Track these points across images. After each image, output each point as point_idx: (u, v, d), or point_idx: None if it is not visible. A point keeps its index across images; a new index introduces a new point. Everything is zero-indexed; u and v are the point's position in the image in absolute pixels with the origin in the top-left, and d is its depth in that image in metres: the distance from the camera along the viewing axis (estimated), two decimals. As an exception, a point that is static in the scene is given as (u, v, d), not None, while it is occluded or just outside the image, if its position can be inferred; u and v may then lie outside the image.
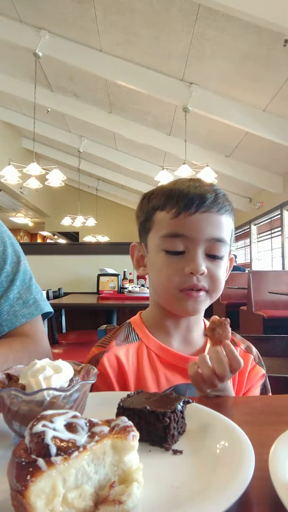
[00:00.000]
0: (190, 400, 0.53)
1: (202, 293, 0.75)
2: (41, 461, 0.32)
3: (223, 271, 0.78)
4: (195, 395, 0.73)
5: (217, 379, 0.66)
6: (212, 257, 0.75)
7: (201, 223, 0.73)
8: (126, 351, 0.79)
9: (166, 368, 0.77)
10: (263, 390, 0.83)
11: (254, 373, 0.82)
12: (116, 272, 4.08)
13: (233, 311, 6.29)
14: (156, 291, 0.80)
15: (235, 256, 8.99)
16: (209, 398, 0.68)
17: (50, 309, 0.95)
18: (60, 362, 0.51)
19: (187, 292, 0.74)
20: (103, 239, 12.90)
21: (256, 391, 0.82)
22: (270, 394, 0.85)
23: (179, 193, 0.74)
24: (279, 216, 8.34)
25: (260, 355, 0.87)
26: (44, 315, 0.96)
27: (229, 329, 0.69)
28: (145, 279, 4.04)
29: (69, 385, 0.49)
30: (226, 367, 0.65)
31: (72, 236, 15.04)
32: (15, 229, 16.09)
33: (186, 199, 0.73)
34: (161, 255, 0.75)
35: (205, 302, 0.76)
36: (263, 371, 0.84)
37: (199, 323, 0.85)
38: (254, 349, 0.86)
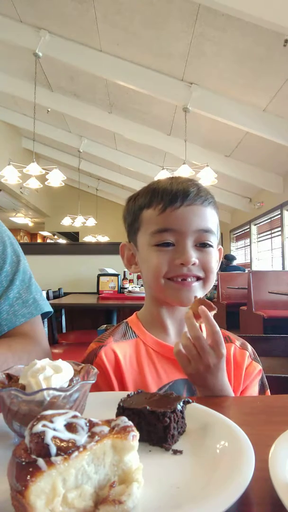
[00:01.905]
0: (190, 400, 0.53)
1: (195, 283, 0.76)
2: (41, 461, 0.32)
3: (214, 260, 0.79)
4: (194, 390, 0.73)
5: (195, 350, 0.66)
6: (203, 245, 0.77)
7: (187, 216, 0.75)
8: (124, 347, 0.80)
9: (164, 362, 0.79)
10: (261, 386, 0.84)
11: (251, 370, 0.83)
12: (116, 272, 4.08)
13: (233, 311, 6.30)
14: (149, 284, 0.82)
15: (234, 258, 9.04)
16: (209, 398, 0.68)
17: (49, 308, 0.95)
18: (60, 362, 0.51)
19: (180, 281, 0.76)
20: (103, 239, 12.90)
21: (254, 388, 0.82)
22: (268, 390, 0.85)
23: (163, 190, 0.78)
24: (279, 216, 8.34)
25: (255, 352, 0.88)
26: (44, 315, 0.96)
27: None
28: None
29: (69, 385, 0.49)
30: (199, 332, 0.67)
31: (72, 236, 15.05)
32: (15, 229, 16.09)
33: (170, 195, 0.76)
34: (152, 250, 0.77)
35: (198, 291, 0.77)
36: (259, 367, 0.85)
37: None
38: (249, 346, 0.87)
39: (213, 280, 0.79)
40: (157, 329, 0.83)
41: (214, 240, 0.79)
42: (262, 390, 0.84)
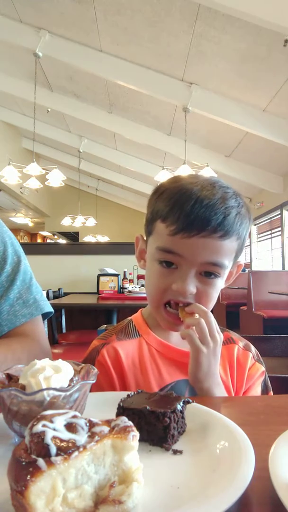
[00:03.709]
0: (190, 400, 0.53)
1: (181, 327, 0.75)
2: (41, 461, 0.32)
3: (217, 290, 0.74)
4: (195, 393, 0.73)
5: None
6: (208, 274, 0.71)
7: (197, 247, 0.68)
8: (127, 345, 0.80)
9: (166, 363, 0.78)
10: (264, 388, 0.83)
11: (254, 371, 0.82)
12: (116, 272, 4.08)
13: (233, 311, 6.29)
14: (147, 295, 0.80)
15: None
16: (209, 398, 0.68)
17: (50, 309, 0.95)
18: (60, 362, 0.51)
19: (171, 314, 0.74)
20: (103, 239, 12.90)
21: (257, 389, 0.82)
22: (271, 391, 0.85)
23: (181, 209, 0.68)
24: (279, 216, 8.34)
25: (259, 353, 0.87)
26: (44, 315, 0.96)
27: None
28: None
29: (69, 385, 0.49)
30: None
31: (72, 236, 15.03)
32: (15, 229, 16.08)
33: (187, 221, 0.67)
34: (154, 265, 0.75)
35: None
36: (262, 368, 0.84)
37: None
38: (252, 347, 0.87)
39: (211, 307, 0.76)
40: (161, 330, 0.82)
41: (223, 271, 0.73)
42: (265, 391, 0.83)
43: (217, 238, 0.68)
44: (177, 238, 0.68)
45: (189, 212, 0.67)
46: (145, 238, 0.82)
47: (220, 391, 0.71)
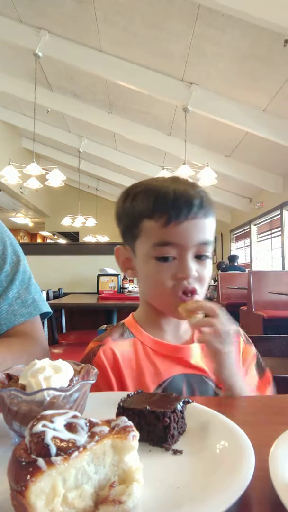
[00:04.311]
0: (190, 400, 0.53)
1: (195, 297, 0.77)
2: (41, 461, 0.32)
3: (209, 270, 0.80)
4: (192, 387, 0.75)
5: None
6: (200, 257, 0.77)
7: (189, 230, 0.74)
8: (122, 346, 0.81)
9: (161, 359, 0.80)
10: (259, 369, 0.86)
11: (247, 353, 0.85)
12: (116, 272, 4.08)
13: (233, 311, 6.27)
14: (151, 297, 0.82)
15: (237, 256, 9.04)
16: (209, 398, 0.68)
17: (48, 309, 0.96)
18: (60, 362, 0.51)
19: (182, 297, 0.76)
20: (103, 239, 12.90)
21: (253, 372, 0.84)
22: (268, 369, 0.87)
23: (165, 199, 0.74)
24: (279, 216, 8.34)
25: (247, 335, 0.90)
26: (43, 316, 0.96)
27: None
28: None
29: (69, 385, 0.49)
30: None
31: (72, 236, 15.04)
32: (15, 229, 16.08)
33: (175, 207, 0.73)
34: (152, 263, 0.76)
35: None
36: (254, 349, 0.87)
37: None
38: (241, 330, 0.89)
39: (205, 291, 0.81)
40: (154, 329, 0.84)
41: (211, 250, 0.79)
42: (261, 372, 0.85)
43: (202, 217, 0.76)
44: (170, 228, 0.73)
45: (173, 201, 0.74)
46: (126, 246, 0.84)
47: (245, 384, 0.74)
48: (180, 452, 0.46)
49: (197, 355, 0.81)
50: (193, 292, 0.76)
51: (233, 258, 8.88)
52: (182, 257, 0.75)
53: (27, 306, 0.90)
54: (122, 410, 0.51)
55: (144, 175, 9.48)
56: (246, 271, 6.85)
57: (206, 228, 0.77)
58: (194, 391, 0.77)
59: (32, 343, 0.87)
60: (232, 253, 11.16)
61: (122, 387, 0.76)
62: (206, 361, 0.79)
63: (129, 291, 3.84)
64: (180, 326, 0.85)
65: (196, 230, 0.75)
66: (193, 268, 0.75)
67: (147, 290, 0.83)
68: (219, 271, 8.45)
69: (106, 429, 0.37)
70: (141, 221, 0.77)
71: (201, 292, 0.78)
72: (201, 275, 0.77)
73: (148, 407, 0.49)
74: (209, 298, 9.80)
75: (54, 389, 0.46)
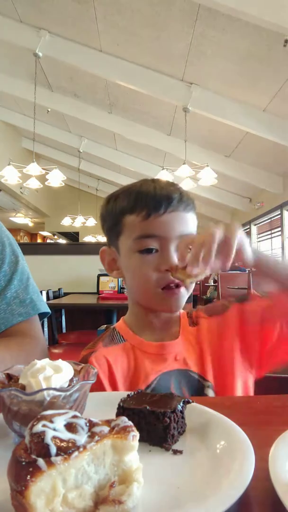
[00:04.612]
0: (190, 400, 0.53)
1: (182, 289, 0.78)
2: (41, 461, 0.32)
3: None
4: (179, 382, 0.76)
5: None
6: None
7: (170, 222, 0.76)
8: (114, 351, 0.82)
9: (150, 359, 0.80)
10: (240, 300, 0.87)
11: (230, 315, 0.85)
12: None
13: (233, 311, 6.28)
14: (136, 292, 0.83)
15: None
16: (209, 398, 0.68)
17: (46, 309, 0.96)
18: (60, 362, 0.51)
19: (168, 290, 0.77)
20: (103, 239, 12.75)
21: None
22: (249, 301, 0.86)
23: (146, 195, 0.77)
24: (279, 216, 8.33)
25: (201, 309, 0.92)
26: (41, 316, 0.96)
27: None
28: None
29: (69, 385, 0.49)
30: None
31: (72, 236, 15.03)
32: (15, 229, 16.07)
33: (155, 201, 0.76)
34: (135, 257, 0.77)
35: (184, 297, 0.80)
36: (225, 304, 0.88)
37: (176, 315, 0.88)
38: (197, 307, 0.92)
39: (193, 286, 0.82)
40: (144, 330, 0.84)
41: None
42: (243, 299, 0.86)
43: (182, 211, 0.78)
44: (150, 220, 0.76)
45: (153, 195, 0.77)
46: (111, 246, 0.86)
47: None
48: (180, 452, 0.46)
49: (181, 349, 0.81)
50: (179, 285, 0.77)
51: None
52: (164, 249, 0.76)
53: (25, 306, 0.90)
54: (122, 410, 0.51)
55: (144, 175, 9.47)
56: (246, 271, 6.85)
57: (187, 221, 0.79)
58: (181, 387, 0.78)
59: (31, 342, 0.87)
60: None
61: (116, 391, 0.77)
62: (265, 285, 0.80)
63: (129, 291, 3.83)
64: (169, 325, 0.85)
65: (176, 222, 0.77)
66: (177, 260, 0.75)
67: (132, 287, 0.83)
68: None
69: (106, 429, 0.37)
70: (123, 217, 0.80)
71: (189, 286, 0.79)
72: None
73: (148, 407, 0.49)
74: (208, 298, 9.74)
75: (54, 389, 0.46)
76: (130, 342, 0.83)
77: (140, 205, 0.77)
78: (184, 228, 0.78)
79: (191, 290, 0.82)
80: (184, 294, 0.80)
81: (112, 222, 0.83)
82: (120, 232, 0.81)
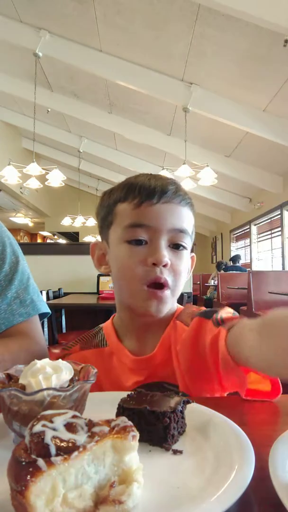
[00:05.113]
0: (190, 400, 0.53)
1: (166, 292, 0.73)
2: (41, 461, 0.32)
3: (185, 263, 0.76)
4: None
5: None
6: (176, 246, 0.74)
7: (163, 213, 0.72)
8: (90, 356, 0.79)
9: (128, 369, 0.77)
10: (216, 322, 0.70)
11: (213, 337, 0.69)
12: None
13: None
14: (120, 287, 0.77)
15: (239, 256, 9.04)
16: (209, 398, 0.68)
17: (47, 309, 0.96)
18: (60, 362, 0.51)
19: (152, 291, 0.71)
20: (103, 239, 12.86)
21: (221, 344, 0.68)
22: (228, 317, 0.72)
23: (141, 185, 0.74)
24: (279, 216, 8.33)
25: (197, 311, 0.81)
26: (42, 316, 0.96)
27: None
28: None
29: (69, 385, 0.49)
30: None
31: (72, 236, 15.03)
32: (15, 229, 16.08)
33: (148, 190, 0.73)
34: (123, 247, 0.73)
35: (168, 303, 0.74)
36: (209, 323, 0.72)
37: (161, 322, 0.80)
38: (190, 308, 0.82)
39: (181, 288, 0.76)
40: (127, 334, 0.81)
41: (188, 242, 0.76)
42: (218, 322, 0.70)
43: (177, 204, 0.74)
44: (142, 209, 0.72)
45: (147, 184, 0.74)
46: (103, 240, 0.82)
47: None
48: (180, 452, 0.46)
49: (159, 361, 0.76)
50: (164, 284, 0.71)
51: (235, 258, 8.91)
52: (154, 241, 0.72)
53: (26, 306, 0.90)
54: (122, 410, 0.51)
55: (144, 175, 9.47)
56: (247, 271, 6.85)
57: (181, 215, 0.75)
58: None
59: (31, 342, 0.87)
60: (233, 253, 11.17)
61: None
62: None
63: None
64: (152, 330, 0.79)
65: (169, 214, 0.73)
66: (166, 255, 0.71)
67: (117, 280, 0.78)
68: (219, 271, 8.46)
69: (106, 429, 0.37)
70: (115, 206, 0.77)
71: (175, 287, 0.74)
72: (175, 267, 0.73)
73: (148, 407, 0.49)
74: (208, 299, 9.71)
75: (54, 389, 0.46)
76: (111, 348, 0.80)
77: (133, 193, 0.74)
78: (177, 222, 0.73)
79: (177, 294, 0.76)
80: (169, 297, 0.73)
81: (104, 213, 0.80)
82: (111, 222, 0.77)
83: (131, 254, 0.72)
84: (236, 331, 0.63)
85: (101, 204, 0.82)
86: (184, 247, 0.75)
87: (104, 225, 0.80)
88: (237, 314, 0.74)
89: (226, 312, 0.72)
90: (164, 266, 0.71)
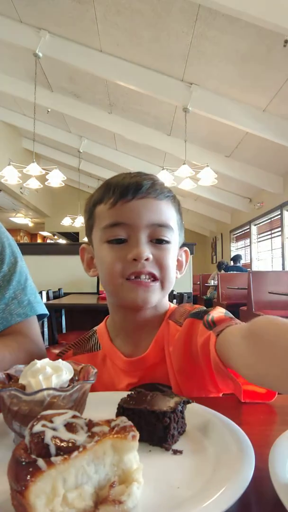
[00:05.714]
0: (190, 400, 0.53)
1: (153, 283, 0.72)
2: (41, 461, 0.32)
3: (172, 257, 0.75)
4: None
5: None
6: (158, 241, 0.73)
7: (139, 209, 0.71)
8: (83, 360, 0.78)
9: (121, 371, 0.77)
10: (208, 325, 0.69)
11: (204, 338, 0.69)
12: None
13: (233, 312, 6.25)
14: (105, 285, 0.76)
15: (240, 257, 9.04)
16: (209, 398, 0.68)
17: (44, 311, 0.96)
18: (60, 362, 0.51)
19: (135, 280, 0.71)
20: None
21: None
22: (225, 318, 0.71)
23: (115, 184, 0.74)
24: (279, 216, 8.33)
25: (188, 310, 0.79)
26: (39, 317, 0.96)
27: None
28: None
29: (69, 385, 0.49)
30: None
31: (72, 236, 15.04)
32: (15, 229, 16.07)
33: (122, 188, 0.72)
34: (104, 247, 0.73)
35: (156, 293, 0.73)
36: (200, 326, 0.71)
37: (153, 322, 0.80)
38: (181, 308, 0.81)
39: (171, 281, 0.74)
40: (119, 336, 0.81)
41: (171, 236, 0.74)
42: (211, 325, 0.68)
43: (153, 198, 0.73)
44: (117, 207, 0.72)
45: (122, 183, 0.74)
46: (90, 244, 0.83)
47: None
48: (180, 452, 0.46)
49: (151, 363, 0.76)
50: (151, 275, 0.71)
51: (236, 258, 8.92)
52: (133, 238, 0.71)
53: (23, 307, 0.91)
54: (122, 410, 0.51)
55: (144, 175, 9.46)
56: (247, 271, 6.85)
57: (159, 209, 0.73)
58: None
59: (29, 342, 0.88)
60: (233, 253, 11.17)
61: None
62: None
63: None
64: (144, 330, 0.78)
65: (146, 209, 0.72)
66: (146, 250, 0.70)
67: (101, 281, 0.78)
68: (219, 271, 8.46)
69: (106, 429, 0.37)
70: (94, 209, 0.78)
71: (163, 278, 0.73)
72: (160, 260, 0.72)
73: (148, 407, 0.49)
74: (208, 299, 9.71)
75: (54, 389, 0.46)
76: (104, 351, 0.79)
77: (108, 194, 0.74)
78: (155, 217, 0.72)
79: (167, 287, 0.74)
80: (156, 288, 0.72)
81: (87, 217, 0.81)
82: (92, 225, 0.78)
83: (112, 253, 0.72)
84: (224, 338, 0.62)
85: (84, 208, 0.83)
86: (167, 242, 0.74)
87: (88, 229, 0.81)
88: (229, 313, 0.73)
89: (218, 312, 0.71)
90: (146, 260, 0.70)
